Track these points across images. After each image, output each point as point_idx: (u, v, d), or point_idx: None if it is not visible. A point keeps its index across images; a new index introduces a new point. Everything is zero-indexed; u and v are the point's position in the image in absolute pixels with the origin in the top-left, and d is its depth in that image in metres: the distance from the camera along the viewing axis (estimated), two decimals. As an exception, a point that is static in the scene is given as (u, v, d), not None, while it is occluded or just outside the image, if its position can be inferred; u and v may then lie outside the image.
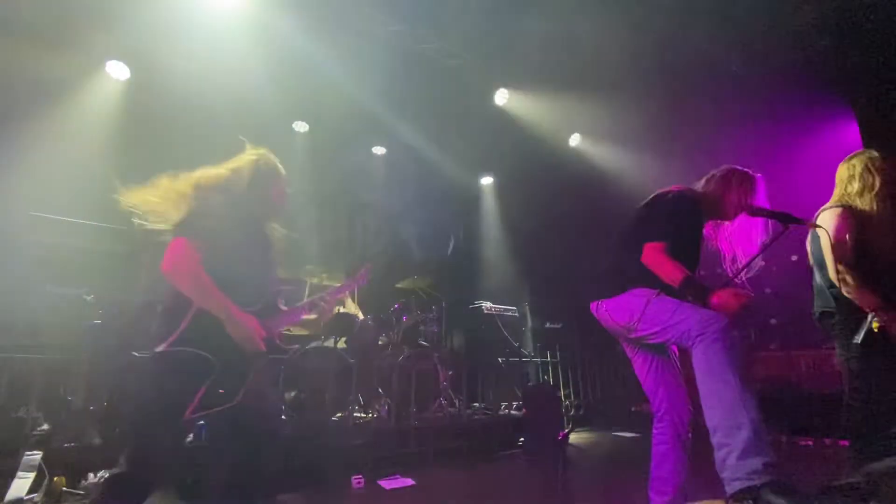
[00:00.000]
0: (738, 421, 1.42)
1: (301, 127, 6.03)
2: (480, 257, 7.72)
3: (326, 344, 4.06)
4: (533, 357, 5.99)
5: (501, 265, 7.57)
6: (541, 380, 5.89)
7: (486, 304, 5.95)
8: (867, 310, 2.00)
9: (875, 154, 2.20)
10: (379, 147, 6.79)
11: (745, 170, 2.04)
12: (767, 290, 5.29)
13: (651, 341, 1.79)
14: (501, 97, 6.20)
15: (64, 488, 2.68)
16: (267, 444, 1.88)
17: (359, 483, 3.12)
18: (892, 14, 4.23)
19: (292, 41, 4.79)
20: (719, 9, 4.66)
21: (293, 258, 5.19)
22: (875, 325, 1.95)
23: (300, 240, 5.65)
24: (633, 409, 6.00)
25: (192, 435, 2.99)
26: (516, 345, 5.65)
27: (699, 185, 2.08)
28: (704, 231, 2.09)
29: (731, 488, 1.39)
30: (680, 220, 1.89)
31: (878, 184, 2.12)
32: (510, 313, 5.99)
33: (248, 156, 1.99)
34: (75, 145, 4.57)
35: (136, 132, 4.88)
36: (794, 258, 5.15)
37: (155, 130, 4.91)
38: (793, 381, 4.83)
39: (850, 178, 2.21)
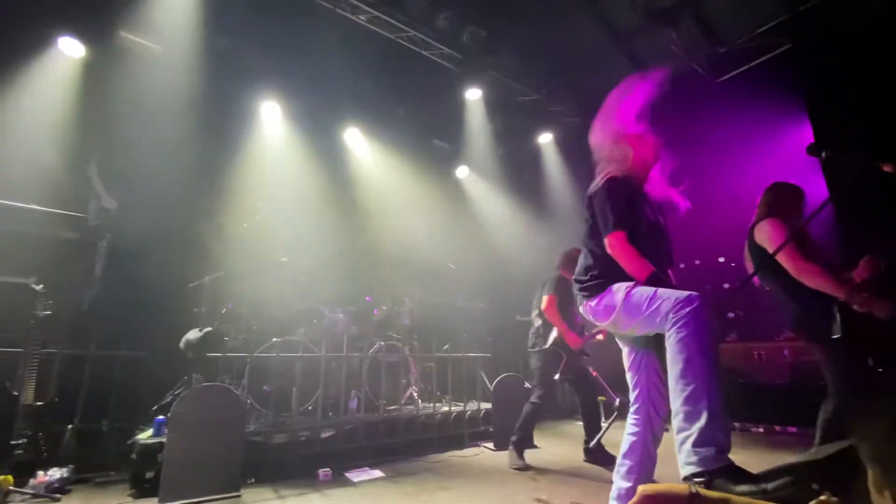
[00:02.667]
0: (698, 408, 1.45)
1: (271, 108, 5.84)
2: (453, 250, 7.72)
3: (294, 337, 3.99)
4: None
5: (473, 258, 7.59)
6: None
7: (459, 299, 5.99)
8: (839, 296, 2.09)
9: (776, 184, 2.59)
10: (353, 131, 6.65)
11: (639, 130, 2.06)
12: (726, 286, 5.52)
13: (638, 333, 1.81)
14: (474, 94, 6.21)
15: (11, 487, 2.55)
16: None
17: (326, 476, 3.09)
18: (847, 15, 4.46)
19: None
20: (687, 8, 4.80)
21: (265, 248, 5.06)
22: (857, 307, 2.04)
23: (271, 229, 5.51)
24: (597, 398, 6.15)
25: (151, 430, 2.89)
26: (488, 338, 5.71)
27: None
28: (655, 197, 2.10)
29: (684, 472, 1.44)
30: (621, 203, 1.89)
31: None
32: (480, 306, 6.05)
33: None
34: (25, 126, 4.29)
35: (90, 113, 4.61)
36: (721, 260, 5.49)
37: (110, 112, 4.65)
38: (747, 371, 5.08)
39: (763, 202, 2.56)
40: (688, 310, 1.55)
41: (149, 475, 2.76)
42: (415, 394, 4.41)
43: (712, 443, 1.41)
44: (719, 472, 1.36)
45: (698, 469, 1.39)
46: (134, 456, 2.79)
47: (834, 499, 1.24)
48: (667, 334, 1.60)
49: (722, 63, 5.66)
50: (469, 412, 4.39)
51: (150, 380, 3.49)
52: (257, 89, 5.56)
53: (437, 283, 6.33)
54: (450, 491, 2.88)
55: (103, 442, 3.27)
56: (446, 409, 4.30)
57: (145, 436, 2.96)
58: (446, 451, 3.99)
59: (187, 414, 2.71)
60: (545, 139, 7.22)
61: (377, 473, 3.25)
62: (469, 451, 4.02)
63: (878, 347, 2.05)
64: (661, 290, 1.69)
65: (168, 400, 3.46)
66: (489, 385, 4.55)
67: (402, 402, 4.37)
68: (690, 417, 1.46)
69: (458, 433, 4.26)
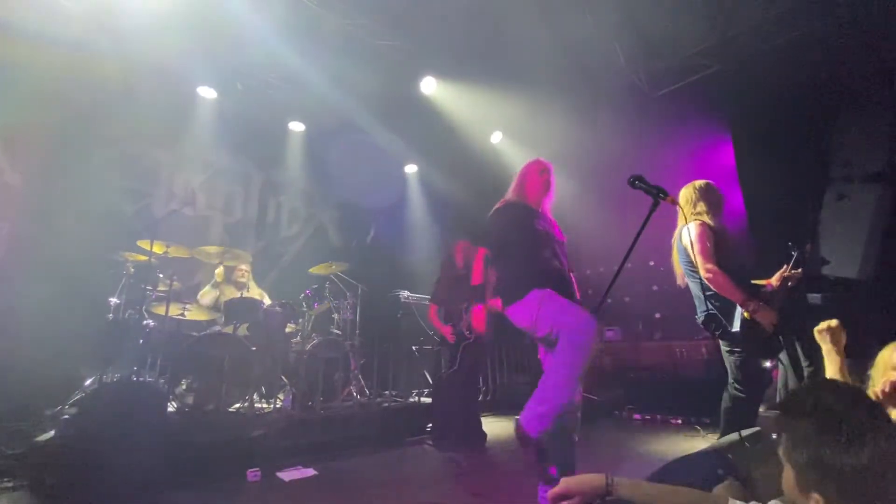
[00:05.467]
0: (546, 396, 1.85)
1: (208, 93, 5.47)
2: (400, 245, 7.65)
3: (226, 330, 3.78)
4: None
5: (420, 254, 7.58)
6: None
7: (404, 293, 5.94)
8: (735, 301, 2.33)
9: (701, 182, 2.77)
10: (297, 123, 6.39)
11: (534, 163, 2.46)
12: (654, 288, 5.91)
13: (552, 339, 1.94)
14: (428, 86, 6.15)
15: None
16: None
17: (255, 476, 2.95)
18: (767, 45, 4.89)
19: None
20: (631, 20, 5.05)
21: (198, 236, 4.76)
22: (746, 314, 2.29)
23: (207, 216, 5.21)
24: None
25: (53, 431, 2.62)
26: (430, 333, 5.72)
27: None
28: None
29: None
30: (501, 230, 2.22)
31: (704, 206, 2.66)
32: (426, 302, 6.04)
33: None
34: None
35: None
36: (652, 264, 5.88)
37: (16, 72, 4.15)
38: (670, 368, 5.46)
39: (693, 201, 2.70)
40: (570, 323, 1.86)
41: (50, 481, 2.50)
42: (353, 390, 4.33)
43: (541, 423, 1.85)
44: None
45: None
46: (34, 460, 2.51)
47: (737, 482, 1.37)
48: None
49: (661, 78, 6.01)
50: (409, 407, 4.38)
51: (54, 373, 3.14)
52: (192, 71, 5.17)
53: (382, 278, 6.24)
54: (385, 488, 2.85)
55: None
56: (386, 405, 4.25)
57: (47, 437, 2.67)
58: (385, 447, 3.94)
59: (98, 412, 2.48)
60: (496, 138, 7.33)
61: (310, 472, 3.15)
62: (408, 448, 4.00)
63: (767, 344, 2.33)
64: (564, 304, 1.96)
65: (76, 397, 3.15)
66: (430, 380, 4.57)
67: (341, 397, 4.27)
68: (541, 401, 1.89)
69: (397, 429, 4.23)
